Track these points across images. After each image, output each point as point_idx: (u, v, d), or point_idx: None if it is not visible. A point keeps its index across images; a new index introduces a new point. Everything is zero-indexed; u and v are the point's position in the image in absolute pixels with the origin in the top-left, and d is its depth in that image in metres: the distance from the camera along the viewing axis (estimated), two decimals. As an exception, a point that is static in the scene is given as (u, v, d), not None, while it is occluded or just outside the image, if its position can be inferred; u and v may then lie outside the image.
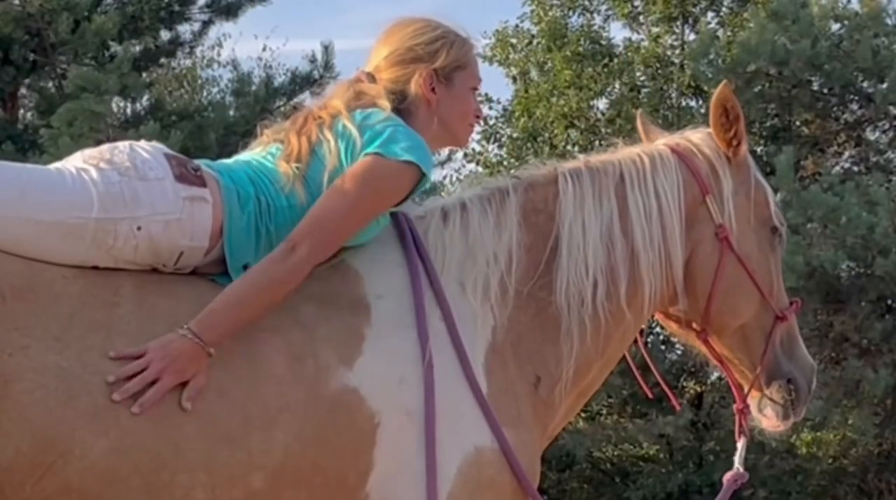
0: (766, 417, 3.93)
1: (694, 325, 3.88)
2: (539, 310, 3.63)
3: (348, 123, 3.45)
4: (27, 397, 3.04)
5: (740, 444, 3.99)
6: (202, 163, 3.42)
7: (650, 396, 4.45)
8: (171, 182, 3.27)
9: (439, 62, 3.63)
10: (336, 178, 3.41)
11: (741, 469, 3.97)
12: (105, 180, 3.23)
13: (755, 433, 4.05)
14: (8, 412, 3.02)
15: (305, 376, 3.28)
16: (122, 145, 3.35)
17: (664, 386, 4.21)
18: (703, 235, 3.81)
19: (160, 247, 3.26)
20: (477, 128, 3.95)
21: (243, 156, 3.59)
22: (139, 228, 3.23)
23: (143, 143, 3.39)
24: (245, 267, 3.36)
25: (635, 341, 3.96)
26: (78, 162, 3.30)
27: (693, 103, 16.80)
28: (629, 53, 17.40)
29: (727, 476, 3.97)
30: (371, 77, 3.66)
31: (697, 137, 3.92)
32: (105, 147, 3.36)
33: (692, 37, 16.86)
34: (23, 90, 12.58)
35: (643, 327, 3.99)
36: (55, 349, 3.09)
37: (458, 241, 3.61)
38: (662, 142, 3.94)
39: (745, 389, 3.92)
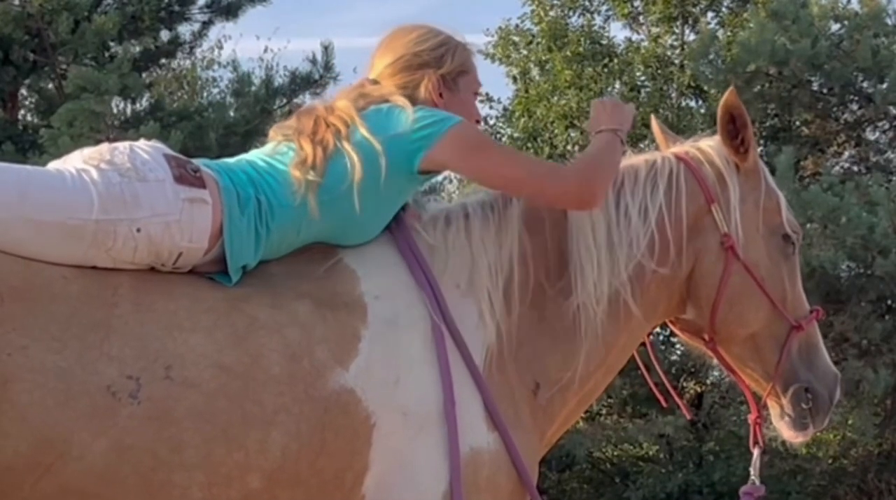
0: (785, 426, 3.90)
1: (704, 334, 3.88)
2: (541, 318, 3.64)
3: (365, 132, 3.46)
4: (26, 397, 3.04)
5: (755, 454, 3.95)
6: (201, 163, 3.42)
7: (664, 405, 4.42)
8: (171, 183, 3.27)
9: (445, 68, 3.66)
10: (366, 189, 3.42)
11: (757, 482, 3.94)
12: (105, 181, 3.23)
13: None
14: (7, 413, 3.02)
15: (302, 377, 3.28)
16: (122, 146, 3.35)
17: (674, 396, 4.19)
18: (707, 244, 3.80)
19: (160, 248, 3.26)
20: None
21: (248, 155, 3.60)
22: (138, 230, 3.22)
23: (142, 143, 3.39)
24: (244, 268, 3.37)
25: (643, 344, 3.96)
26: (78, 162, 3.30)
27: (693, 103, 16.82)
28: (629, 53, 17.41)
29: (743, 490, 3.94)
30: (375, 83, 3.67)
31: (708, 145, 3.92)
32: (105, 147, 3.36)
33: (692, 37, 16.88)
34: (23, 90, 12.57)
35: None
36: (54, 349, 3.08)
37: (459, 246, 3.62)
38: (672, 150, 3.93)
39: (761, 399, 3.89)
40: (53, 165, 3.36)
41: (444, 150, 3.47)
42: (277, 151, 3.54)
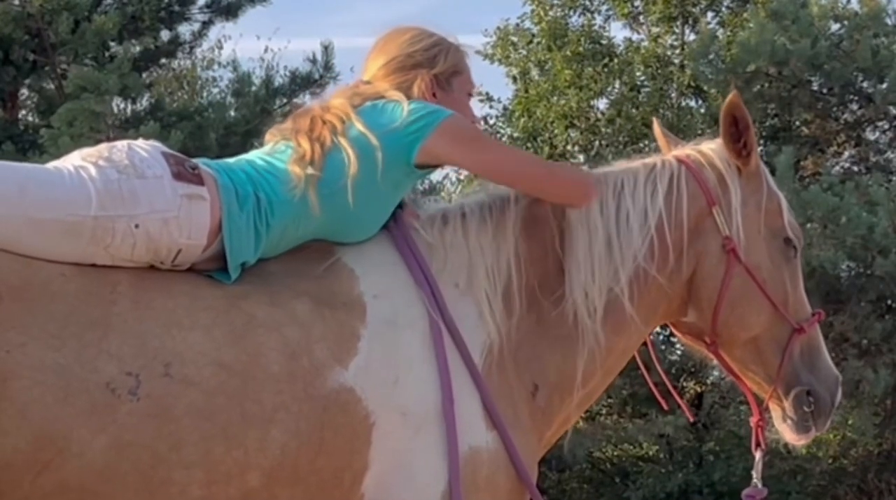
0: (788, 429, 3.89)
1: (705, 337, 3.87)
2: (539, 320, 3.64)
3: (361, 127, 3.47)
4: (25, 394, 3.04)
5: (758, 457, 3.94)
6: (200, 161, 3.43)
7: (665, 408, 4.42)
8: (169, 180, 3.28)
9: (438, 68, 3.67)
10: (360, 184, 3.43)
11: (759, 485, 3.94)
12: (103, 178, 3.24)
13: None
14: (6, 410, 3.02)
15: (301, 375, 3.28)
16: (121, 144, 3.36)
17: (676, 397, 4.19)
18: (709, 247, 3.79)
19: (158, 245, 3.26)
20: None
21: (247, 155, 3.61)
22: (137, 226, 3.23)
23: (140, 141, 3.40)
24: (243, 265, 3.37)
25: (644, 344, 3.95)
26: (76, 160, 3.31)
27: (693, 103, 16.82)
28: (629, 53, 17.41)
29: (745, 492, 3.94)
30: (368, 85, 3.67)
31: (709, 148, 3.91)
32: (103, 146, 3.37)
33: (692, 37, 16.88)
34: (23, 90, 12.58)
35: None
36: (53, 347, 3.09)
37: (457, 244, 3.62)
38: (674, 153, 3.94)
39: (763, 401, 3.88)
40: (53, 164, 3.37)
41: (439, 140, 3.48)
42: (276, 149, 3.55)
